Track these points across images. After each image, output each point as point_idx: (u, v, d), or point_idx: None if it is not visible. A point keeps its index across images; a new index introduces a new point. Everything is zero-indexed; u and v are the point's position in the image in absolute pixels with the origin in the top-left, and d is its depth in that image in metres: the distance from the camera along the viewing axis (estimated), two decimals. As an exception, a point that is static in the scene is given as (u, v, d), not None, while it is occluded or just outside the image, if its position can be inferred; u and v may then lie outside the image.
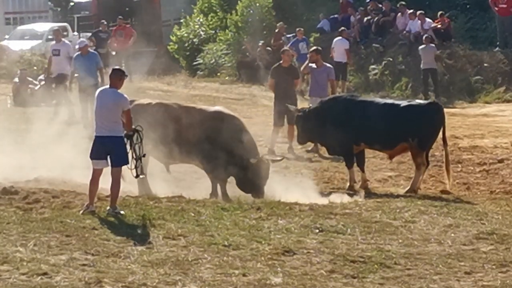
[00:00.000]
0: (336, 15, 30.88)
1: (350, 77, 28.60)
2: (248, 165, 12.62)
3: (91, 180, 11.21)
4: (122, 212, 10.90)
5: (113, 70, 11.33)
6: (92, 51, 21.39)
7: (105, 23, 31.46)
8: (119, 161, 11.10)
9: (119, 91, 11.13)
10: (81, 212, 10.93)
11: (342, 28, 27.68)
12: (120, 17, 31.09)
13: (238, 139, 12.79)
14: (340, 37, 26.65)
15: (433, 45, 25.71)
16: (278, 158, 14.22)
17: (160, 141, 12.81)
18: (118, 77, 11.17)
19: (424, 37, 25.76)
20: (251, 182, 12.72)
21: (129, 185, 13.06)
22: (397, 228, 10.75)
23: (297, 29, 28.69)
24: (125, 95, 11.19)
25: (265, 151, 16.05)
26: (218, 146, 12.67)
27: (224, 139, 12.71)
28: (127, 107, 11.14)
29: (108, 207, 10.99)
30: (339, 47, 26.47)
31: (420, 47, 25.65)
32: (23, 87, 25.11)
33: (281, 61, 17.90)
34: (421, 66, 25.71)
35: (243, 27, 32.01)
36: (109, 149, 11.05)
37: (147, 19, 34.07)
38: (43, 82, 25.01)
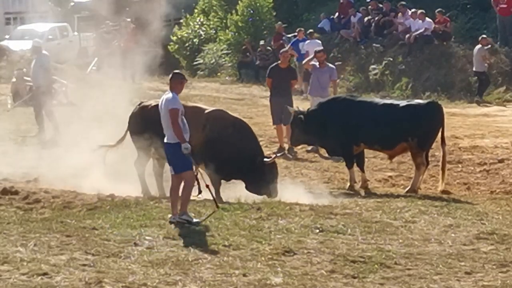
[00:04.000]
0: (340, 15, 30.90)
1: (350, 77, 28.62)
2: (260, 166, 12.57)
3: (170, 188, 10.94)
4: (196, 220, 10.63)
5: (173, 74, 11.11)
6: (45, 52, 20.11)
7: (110, 23, 31.47)
8: (173, 167, 10.80)
9: (171, 93, 10.84)
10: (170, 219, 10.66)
11: (310, 30, 28.09)
12: (123, 17, 31.11)
13: (244, 140, 12.76)
14: (310, 40, 27.05)
15: (483, 46, 25.16)
16: (280, 154, 14.22)
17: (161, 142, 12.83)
18: (178, 80, 10.97)
19: (480, 38, 25.40)
20: (265, 183, 12.67)
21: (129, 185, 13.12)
22: (397, 228, 10.75)
23: (298, 29, 28.74)
24: (174, 96, 10.84)
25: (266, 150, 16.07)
26: (222, 148, 12.57)
27: (229, 140, 12.67)
28: (171, 106, 10.76)
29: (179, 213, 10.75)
30: (312, 49, 26.70)
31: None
32: (21, 87, 25.12)
33: (279, 61, 18.10)
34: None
35: (244, 27, 32.03)
36: (169, 155, 10.84)
37: (147, 19, 34.05)
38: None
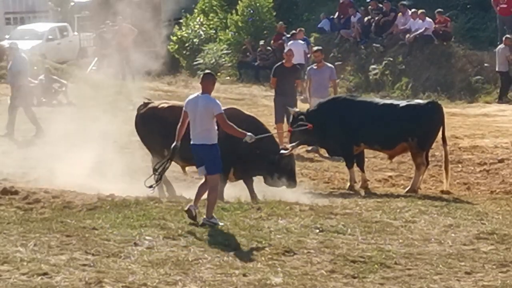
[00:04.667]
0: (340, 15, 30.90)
1: (350, 77, 28.62)
2: (277, 159, 12.58)
3: (201, 184, 10.97)
4: (220, 223, 10.58)
5: (204, 74, 11.07)
6: (23, 55, 20.24)
7: (110, 23, 31.45)
8: (210, 168, 10.76)
9: (207, 95, 10.80)
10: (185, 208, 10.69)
11: (293, 31, 28.36)
12: (120, 17, 31.08)
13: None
14: (293, 40, 27.26)
15: (506, 46, 24.88)
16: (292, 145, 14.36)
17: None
18: (210, 81, 10.92)
19: (504, 38, 25.15)
20: (284, 175, 12.68)
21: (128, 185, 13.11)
22: (397, 228, 10.75)
23: (298, 29, 28.74)
24: (215, 99, 10.84)
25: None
26: (236, 145, 12.48)
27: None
28: (217, 111, 10.70)
29: (203, 216, 10.72)
30: (296, 49, 26.93)
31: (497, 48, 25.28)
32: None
33: (283, 61, 18.12)
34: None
35: (244, 27, 32.03)
36: (202, 157, 10.79)
37: (147, 19, 34.02)
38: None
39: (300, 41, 27.50)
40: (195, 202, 10.78)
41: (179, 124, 10.94)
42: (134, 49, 30.23)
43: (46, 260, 8.78)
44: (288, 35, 29.84)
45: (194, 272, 8.66)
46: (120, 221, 10.51)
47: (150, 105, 13.42)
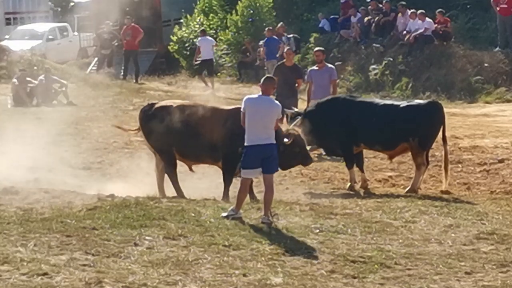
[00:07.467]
0: (337, 16, 30.90)
1: (350, 77, 28.62)
2: (285, 146, 12.47)
3: (241, 188, 11.05)
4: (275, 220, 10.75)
5: (267, 77, 11.29)
6: None
7: (110, 23, 31.44)
8: (272, 168, 10.99)
9: (271, 97, 11.12)
10: (224, 215, 10.81)
11: (202, 28, 30.68)
12: (128, 17, 31.07)
13: None
14: (203, 36, 29.23)
15: None
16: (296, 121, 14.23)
17: (184, 142, 12.74)
18: (272, 85, 11.13)
19: None
20: (294, 157, 12.66)
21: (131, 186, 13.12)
22: (397, 228, 10.75)
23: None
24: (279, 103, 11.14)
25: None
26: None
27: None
28: (280, 114, 11.14)
29: (262, 215, 10.84)
30: (205, 45, 28.89)
31: None
32: (22, 87, 25.16)
33: (284, 60, 18.08)
34: None
35: (244, 27, 32.05)
36: (266, 156, 10.88)
37: (147, 19, 34.05)
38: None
39: (209, 37, 29.44)
40: (266, 212, 10.81)
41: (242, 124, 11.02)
42: (135, 49, 30.30)
43: (46, 260, 8.77)
44: (290, 36, 29.88)
45: (194, 272, 8.66)
46: (120, 221, 10.50)
47: (158, 105, 13.22)
